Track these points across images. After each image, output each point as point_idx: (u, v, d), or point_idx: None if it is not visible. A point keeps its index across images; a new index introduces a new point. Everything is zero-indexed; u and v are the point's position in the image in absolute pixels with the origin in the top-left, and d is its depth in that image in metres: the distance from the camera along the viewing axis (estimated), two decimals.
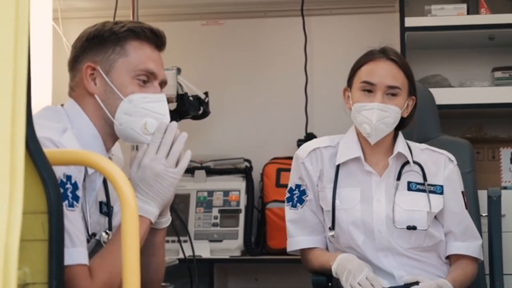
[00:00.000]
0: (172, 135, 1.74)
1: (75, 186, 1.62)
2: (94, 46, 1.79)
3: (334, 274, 2.18)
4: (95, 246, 1.82)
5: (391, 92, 2.25)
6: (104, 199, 1.83)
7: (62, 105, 1.83)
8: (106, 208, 1.83)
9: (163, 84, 1.84)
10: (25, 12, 1.06)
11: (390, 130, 2.28)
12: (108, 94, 1.77)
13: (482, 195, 2.63)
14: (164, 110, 1.79)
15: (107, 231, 1.81)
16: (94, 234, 1.76)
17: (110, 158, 1.83)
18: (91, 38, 1.80)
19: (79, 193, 1.64)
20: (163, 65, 1.85)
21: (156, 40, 1.82)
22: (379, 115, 2.22)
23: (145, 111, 1.76)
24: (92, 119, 1.78)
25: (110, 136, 1.81)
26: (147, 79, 1.79)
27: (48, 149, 1.21)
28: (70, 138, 1.69)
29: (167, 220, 1.83)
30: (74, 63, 1.82)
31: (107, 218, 1.83)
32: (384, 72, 2.25)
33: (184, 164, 1.74)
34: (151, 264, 1.85)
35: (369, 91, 2.25)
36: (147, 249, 1.78)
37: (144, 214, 1.71)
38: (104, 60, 1.77)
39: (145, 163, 1.72)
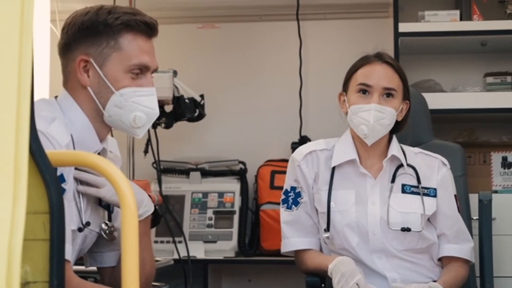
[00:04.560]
0: None
1: (61, 178, 1.64)
2: (88, 37, 1.79)
3: (329, 273, 2.20)
4: (98, 239, 1.86)
5: (387, 93, 2.28)
6: None
7: (56, 97, 1.85)
8: (106, 202, 1.86)
9: (154, 71, 1.86)
10: (29, 17, 1.09)
11: (386, 131, 2.30)
12: (101, 87, 1.79)
13: (473, 198, 2.65)
14: (154, 104, 1.81)
15: (107, 222, 1.86)
16: (88, 223, 1.79)
17: (104, 148, 1.85)
18: (85, 28, 1.79)
19: (66, 186, 1.67)
20: (154, 53, 1.86)
21: (150, 31, 1.83)
22: (376, 116, 2.25)
23: (135, 105, 1.78)
24: (84, 110, 1.80)
25: (103, 126, 1.83)
26: (140, 71, 1.80)
27: (50, 151, 1.23)
28: (59, 127, 1.71)
29: (144, 212, 1.84)
30: (66, 50, 1.82)
31: (106, 212, 1.87)
32: (380, 74, 2.28)
33: None
34: None
35: (365, 92, 2.28)
36: None
37: None
38: (97, 53, 1.78)
39: None
